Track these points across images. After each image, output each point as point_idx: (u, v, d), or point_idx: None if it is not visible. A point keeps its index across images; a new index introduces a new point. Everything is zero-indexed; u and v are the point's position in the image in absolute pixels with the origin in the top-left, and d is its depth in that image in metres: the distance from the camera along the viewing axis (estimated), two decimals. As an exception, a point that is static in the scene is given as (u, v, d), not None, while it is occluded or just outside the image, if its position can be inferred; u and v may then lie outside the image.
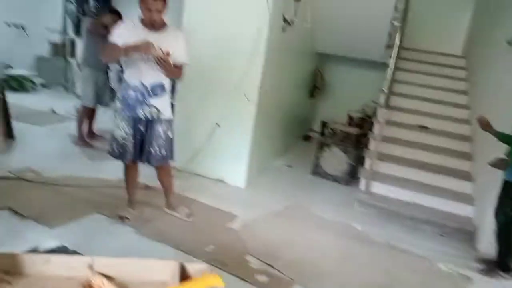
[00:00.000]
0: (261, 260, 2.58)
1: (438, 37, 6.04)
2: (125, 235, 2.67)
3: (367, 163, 4.06)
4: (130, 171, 2.86)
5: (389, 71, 4.14)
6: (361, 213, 3.76)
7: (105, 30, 3.71)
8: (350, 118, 6.10)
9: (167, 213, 3.05)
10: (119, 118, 2.64)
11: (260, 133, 3.96)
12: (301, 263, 2.67)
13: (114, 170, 3.14)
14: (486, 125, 2.88)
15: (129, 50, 2.40)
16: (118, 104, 2.65)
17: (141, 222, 2.85)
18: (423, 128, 4.55)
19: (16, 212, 2.69)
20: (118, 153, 2.68)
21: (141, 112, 2.59)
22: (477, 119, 2.95)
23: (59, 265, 0.85)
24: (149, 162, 2.73)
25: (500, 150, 2.89)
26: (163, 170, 2.90)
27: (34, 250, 2.16)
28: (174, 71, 2.60)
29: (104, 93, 4.45)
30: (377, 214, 3.73)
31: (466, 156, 4.21)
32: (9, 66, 6.92)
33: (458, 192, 3.85)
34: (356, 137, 4.68)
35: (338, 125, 5.00)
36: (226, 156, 3.85)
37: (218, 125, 3.69)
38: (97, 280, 0.82)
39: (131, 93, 2.56)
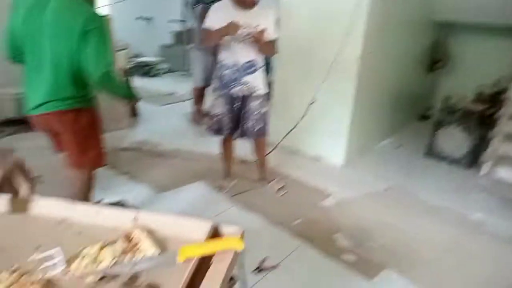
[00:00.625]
0: (351, 240, 2.46)
1: None
2: (221, 203, 2.84)
3: (494, 144, 3.43)
4: (226, 146, 3.07)
5: None
6: (480, 201, 3.23)
7: None
8: (479, 94, 5.24)
9: (260, 187, 3.13)
10: (216, 96, 2.83)
11: (362, 110, 3.70)
12: (396, 247, 2.44)
13: (215, 144, 3.32)
14: None
15: (220, 33, 2.51)
16: (215, 83, 2.84)
17: (235, 192, 2.99)
18: None
19: (133, 177, 3.11)
20: (216, 129, 2.87)
21: (236, 90, 2.72)
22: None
23: (108, 216, 0.93)
24: (244, 136, 2.89)
25: None
26: (258, 144, 3.02)
27: (98, 202, 2.47)
28: (266, 47, 2.65)
29: (213, 75, 4.73)
30: (501, 204, 3.16)
31: None
32: (139, 55, 7.92)
33: None
34: (482, 114, 4.00)
35: (461, 101, 4.33)
36: (323, 133, 3.73)
37: (314, 101, 3.57)
38: (137, 232, 0.87)
39: (226, 72, 2.70)
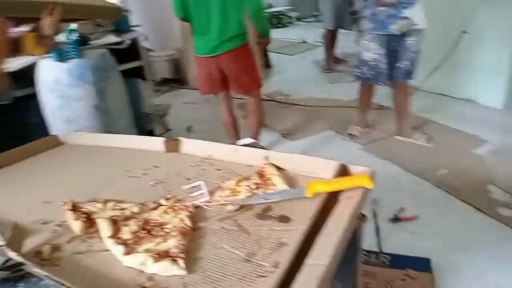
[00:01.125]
0: (508, 192, 2.11)
1: None
2: (352, 150, 2.77)
3: None
4: (368, 91, 2.80)
5: None
6: None
7: None
8: None
9: (399, 140, 2.83)
10: (368, 39, 2.52)
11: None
12: None
13: (350, 91, 3.24)
14: None
15: None
16: (365, 24, 2.51)
17: (370, 141, 2.86)
18: None
19: (268, 127, 3.27)
20: (371, 76, 2.60)
21: (394, 28, 2.39)
22: None
23: (243, 155, 1.01)
24: (391, 79, 2.60)
25: None
26: (401, 88, 2.69)
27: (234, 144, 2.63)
28: None
29: (344, 16, 4.44)
30: None
31: None
32: (270, 5, 7.95)
33: None
34: None
35: None
36: (478, 71, 3.16)
37: (465, 32, 3.02)
38: (268, 169, 0.92)
39: (382, 8, 2.37)
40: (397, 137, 2.85)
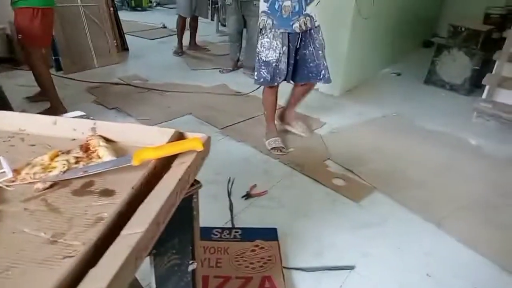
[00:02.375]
0: (342, 165, 2.44)
1: None
2: (209, 134, 2.78)
3: (497, 66, 3.28)
4: (274, 93, 2.55)
5: None
6: (479, 125, 3.18)
7: None
8: (486, 15, 4.94)
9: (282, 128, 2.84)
10: (269, 36, 2.28)
11: (361, 37, 3.51)
12: (388, 171, 2.43)
13: (209, 78, 3.21)
14: None
15: None
16: (265, 21, 2.27)
17: (226, 124, 2.93)
18: None
19: (122, 112, 3.04)
20: (270, 77, 2.35)
21: (297, 25, 2.24)
22: None
23: (65, 127, 0.88)
24: (301, 80, 2.50)
25: None
26: (306, 86, 2.63)
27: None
28: None
29: (200, 4, 4.46)
30: (500, 127, 3.10)
31: None
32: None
33: None
34: (486, 36, 3.78)
35: (464, 23, 4.08)
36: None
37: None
38: (94, 141, 0.81)
39: (287, 3, 2.18)
40: (281, 124, 2.84)
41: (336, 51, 3.41)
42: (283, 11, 2.20)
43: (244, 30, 4.04)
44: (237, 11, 3.84)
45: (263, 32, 2.29)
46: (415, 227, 1.97)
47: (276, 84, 2.42)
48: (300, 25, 2.24)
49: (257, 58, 2.37)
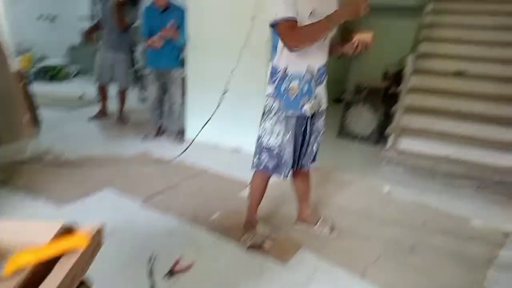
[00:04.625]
0: (268, 226, 2.45)
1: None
2: (131, 206, 2.66)
3: (396, 118, 3.70)
4: (267, 180, 2.28)
5: (424, 16, 3.67)
6: (389, 172, 3.46)
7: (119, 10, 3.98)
8: (385, 73, 5.65)
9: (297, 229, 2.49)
10: (273, 120, 2.02)
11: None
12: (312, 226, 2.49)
13: (130, 147, 3.22)
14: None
15: (331, 23, 1.75)
16: (271, 103, 2.02)
17: (150, 195, 2.83)
18: (460, 74, 4.02)
19: (30, 193, 2.79)
20: (273, 166, 2.10)
21: (307, 108, 1.99)
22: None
23: None
24: (299, 166, 2.22)
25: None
26: (305, 173, 2.37)
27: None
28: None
29: (119, 72, 4.47)
30: (407, 172, 3.42)
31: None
32: (45, 58, 7.24)
33: (503, 141, 3.37)
34: (385, 91, 4.28)
35: (368, 81, 4.61)
36: (242, 123, 3.70)
37: (226, 91, 3.51)
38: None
39: (295, 84, 1.94)
40: (297, 226, 2.50)
41: (256, 109, 3.56)
42: (290, 93, 1.96)
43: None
44: (156, 79, 3.91)
45: (267, 115, 2.05)
46: (341, 280, 2.00)
47: (282, 177, 2.13)
48: (311, 107, 2.00)
49: (258, 141, 2.14)
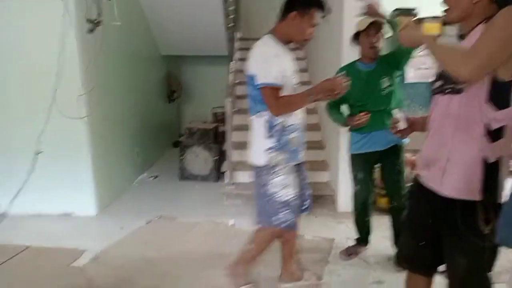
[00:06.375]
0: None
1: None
2: None
3: (227, 154, 3.96)
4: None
5: (231, 64, 4.10)
6: (231, 206, 3.64)
7: None
8: (213, 115, 6.04)
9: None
10: (281, 173, 1.96)
11: (106, 150, 3.53)
12: (161, 284, 2.36)
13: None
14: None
15: (314, 95, 1.86)
16: (276, 157, 1.94)
17: None
18: None
19: None
20: (293, 218, 2.02)
21: (301, 156, 2.07)
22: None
23: None
24: (306, 210, 2.21)
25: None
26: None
27: None
28: None
29: None
30: (246, 203, 3.65)
31: (316, 127, 4.43)
32: None
33: (315, 161, 3.98)
34: (214, 132, 4.56)
35: (197, 123, 4.82)
36: (65, 185, 3.30)
37: (40, 151, 3.12)
38: None
39: (294, 135, 1.98)
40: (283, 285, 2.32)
41: (80, 169, 3.27)
42: (291, 144, 1.98)
43: None
44: None
45: (272, 170, 1.95)
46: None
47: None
48: (303, 154, 2.11)
49: (271, 200, 1.98)
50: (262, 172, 1.97)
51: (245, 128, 4.26)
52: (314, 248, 2.78)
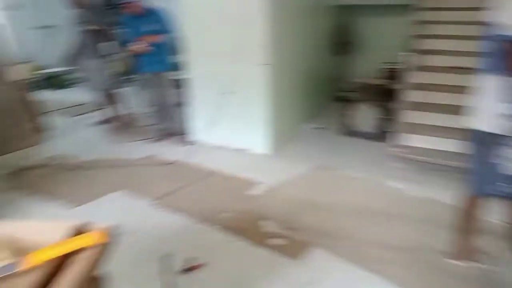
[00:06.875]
0: (278, 224, 2.48)
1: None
2: (143, 207, 2.71)
3: (399, 114, 3.71)
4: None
5: (416, 13, 3.67)
6: (394, 168, 3.47)
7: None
8: (381, 70, 5.65)
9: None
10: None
11: (279, 97, 3.78)
12: (322, 224, 2.52)
13: (137, 150, 3.41)
14: None
15: None
16: (506, 123, 1.73)
17: (160, 195, 2.86)
18: (458, 68, 4.00)
19: (41, 197, 2.83)
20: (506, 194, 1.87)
21: None
22: None
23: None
24: None
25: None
26: None
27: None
28: None
29: (101, 80, 4.51)
30: (412, 168, 3.42)
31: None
32: (48, 67, 7.28)
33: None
34: (386, 89, 4.29)
35: (366, 79, 4.62)
36: (245, 124, 3.73)
37: (225, 92, 3.54)
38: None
39: None
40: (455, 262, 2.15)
41: (258, 110, 3.62)
42: None
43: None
44: (149, 83, 3.92)
45: (502, 139, 1.75)
46: (354, 277, 2.02)
47: None
48: None
49: (490, 171, 1.84)
50: (484, 139, 1.76)
51: (425, 87, 3.89)
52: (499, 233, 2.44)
